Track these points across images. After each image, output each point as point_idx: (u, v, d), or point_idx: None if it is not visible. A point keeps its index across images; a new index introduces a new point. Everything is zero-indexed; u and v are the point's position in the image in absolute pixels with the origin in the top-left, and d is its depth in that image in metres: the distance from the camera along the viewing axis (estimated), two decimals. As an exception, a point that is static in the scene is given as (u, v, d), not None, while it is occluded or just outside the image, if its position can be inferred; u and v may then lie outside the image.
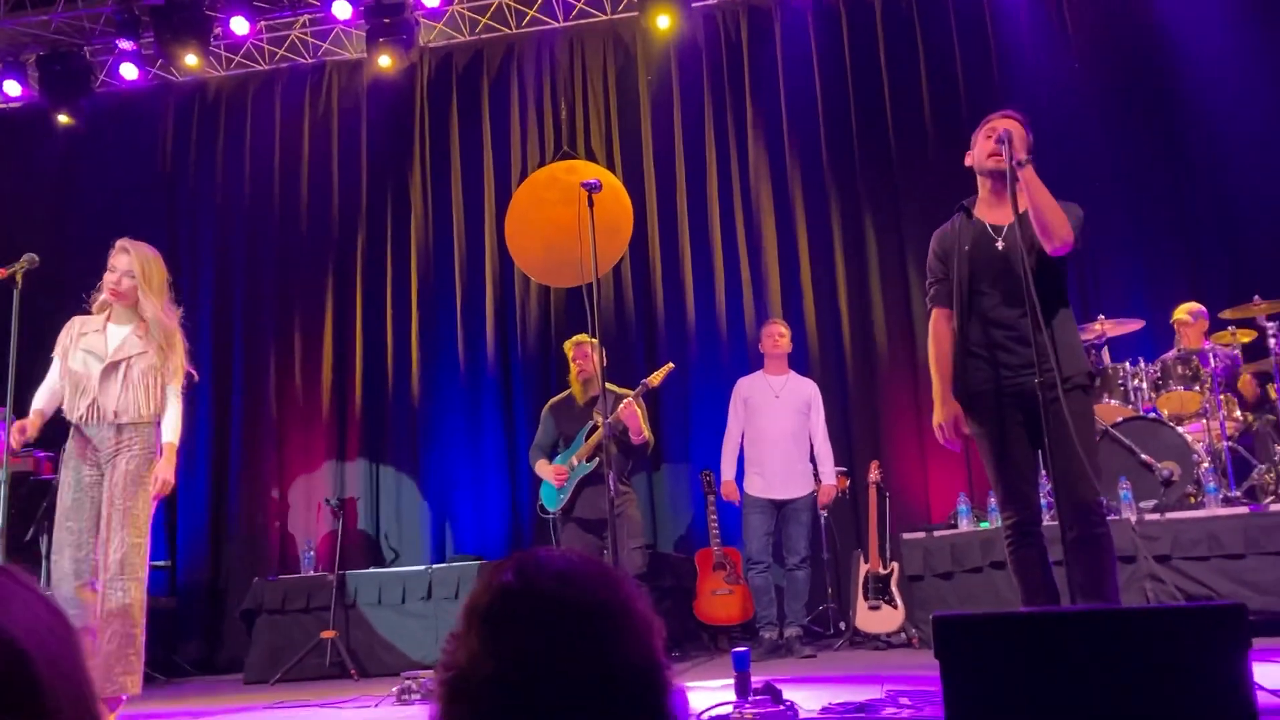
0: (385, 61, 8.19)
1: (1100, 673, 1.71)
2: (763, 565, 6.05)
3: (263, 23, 8.48)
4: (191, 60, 8.03)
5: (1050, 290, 3.42)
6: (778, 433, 6.15)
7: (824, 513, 6.41)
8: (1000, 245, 3.46)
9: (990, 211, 3.62)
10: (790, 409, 6.20)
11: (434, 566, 6.38)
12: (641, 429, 5.54)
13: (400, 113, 8.65)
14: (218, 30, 8.24)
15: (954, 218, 3.76)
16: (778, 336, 6.32)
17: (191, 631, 7.92)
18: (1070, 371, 3.39)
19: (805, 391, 6.32)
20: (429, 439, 8.20)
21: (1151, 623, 1.71)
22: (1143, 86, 7.50)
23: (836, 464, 6.41)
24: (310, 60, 8.81)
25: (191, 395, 8.22)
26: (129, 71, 8.28)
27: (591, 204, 4.32)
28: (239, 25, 8.07)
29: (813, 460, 6.24)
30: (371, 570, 6.64)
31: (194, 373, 4.43)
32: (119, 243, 4.33)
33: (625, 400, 5.41)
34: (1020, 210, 3.43)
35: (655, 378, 5.64)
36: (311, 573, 6.66)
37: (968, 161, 3.81)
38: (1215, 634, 1.73)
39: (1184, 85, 7.35)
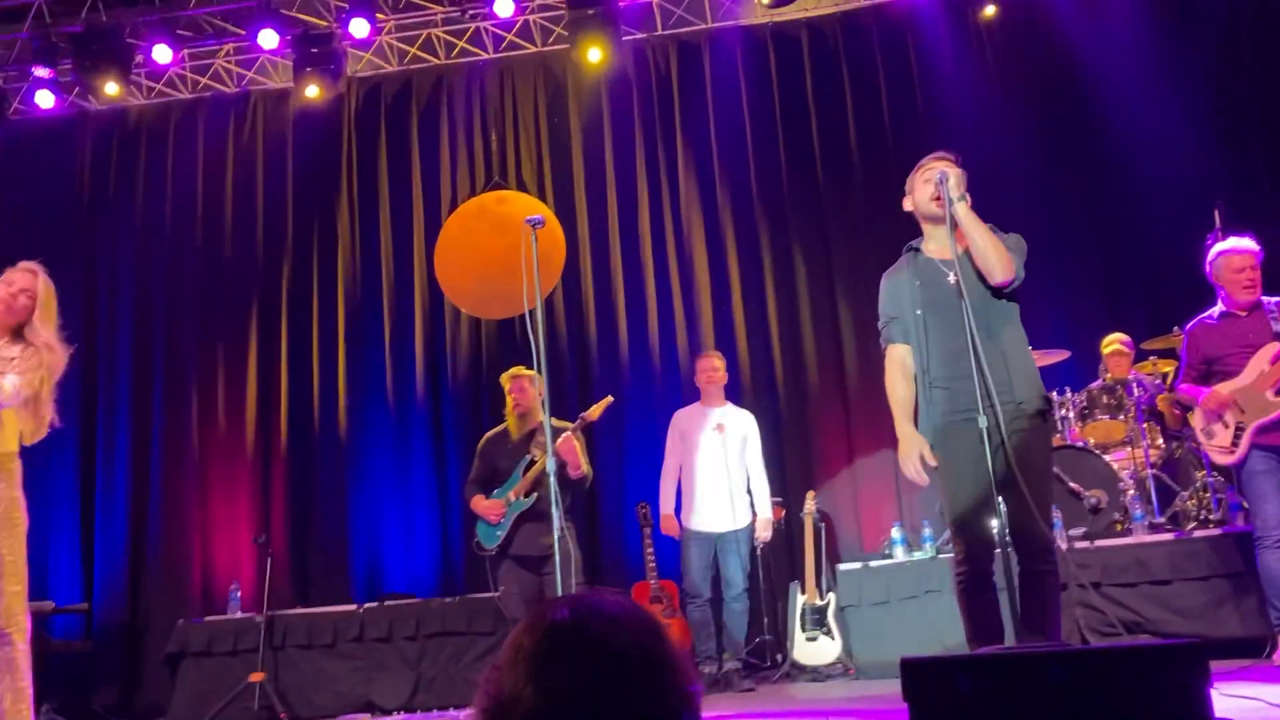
0: (312, 91, 8.08)
1: (1068, 712, 1.72)
2: (701, 599, 6.02)
3: (186, 51, 8.31)
4: (112, 89, 7.83)
5: (1004, 319, 3.54)
6: (715, 465, 6.14)
7: (760, 544, 6.40)
8: (952, 279, 3.52)
9: (939, 249, 3.70)
10: (727, 441, 6.20)
11: (365, 606, 6.24)
12: (580, 463, 5.49)
13: (327, 143, 8.53)
14: (139, 58, 8.06)
15: (903, 258, 3.84)
16: (712, 371, 6.31)
17: (108, 676, 7.61)
18: (1027, 397, 3.50)
19: (742, 423, 6.31)
20: (357, 474, 8.05)
21: (1116, 662, 1.73)
22: (1065, 120, 7.72)
23: (771, 495, 6.40)
24: (234, 89, 8.66)
25: (110, 429, 8.07)
26: (45, 99, 8.05)
27: (536, 240, 4.22)
28: (161, 54, 7.90)
29: (749, 492, 6.22)
30: (301, 611, 6.47)
31: (57, 421, 4.06)
32: (29, 264, 4.14)
33: (564, 434, 5.36)
34: (961, 248, 3.53)
35: (594, 411, 5.60)
36: (238, 614, 6.47)
37: (908, 206, 3.89)
38: (1177, 671, 1.75)
39: (1104, 119, 7.58)
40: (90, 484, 8.04)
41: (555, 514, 3.98)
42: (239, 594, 6.62)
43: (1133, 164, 7.46)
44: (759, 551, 6.53)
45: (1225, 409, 4.76)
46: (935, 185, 3.59)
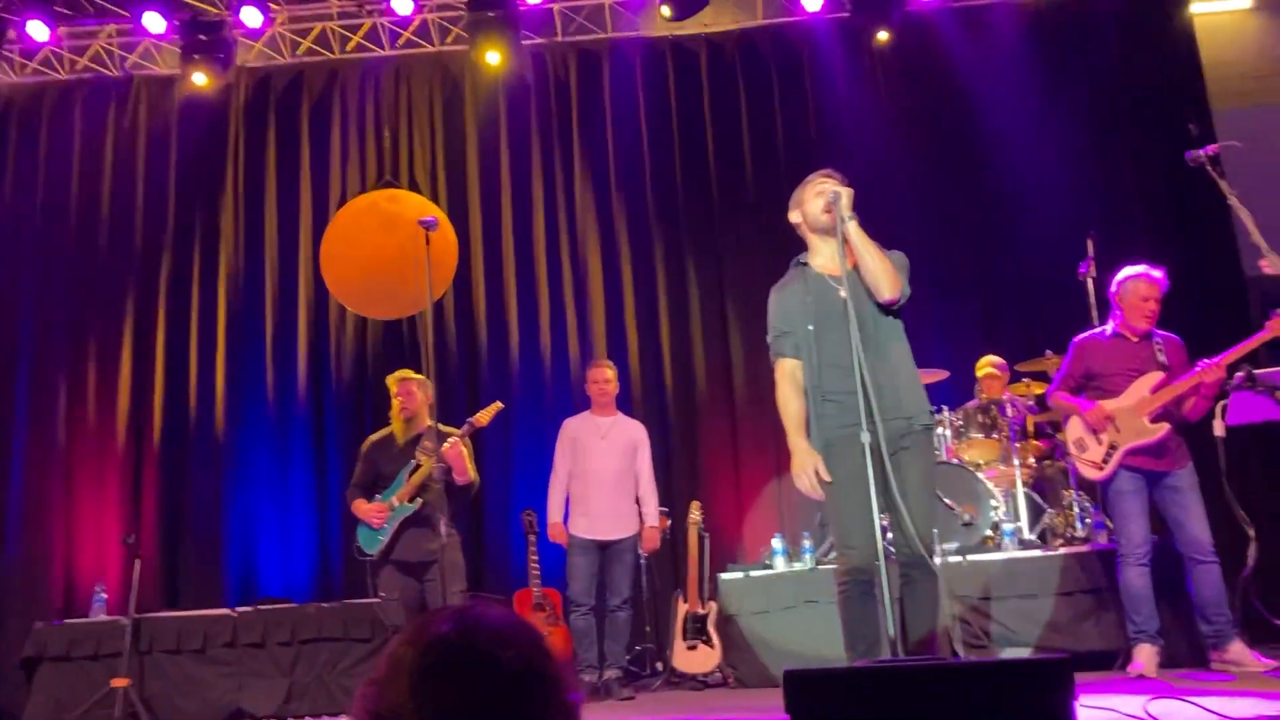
0: (200, 80, 7.85)
1: (942, 724, 1.77)
2: (585, 608, 5.99)
3: (64, 29, 7.99)
4: (-18, 64, 7.49)
5: (891, 335, 3.64)
6: (604, 474, 6.13)
7: (645, 554, 6.42)
8: (842, 294, 3.60)
9: (828, 264, 3.78)
10: (617, 450, 6.19)
11: (239, 611, 6.05)
12: (466, 469, 5.45)
13: (213, 133, 8.28)
14: (12, 34, 7.72)
15: (790, 272, 3.91)
16: (605, 381, 6.30)
17: (-41, 681, 7.25)
18: (915, 412, 3.60)
19: (632, 433, 6.32)
20: (234, 475, 7.82)
21: (989, 675, 1.80)
22: (950, 146, 7.98)
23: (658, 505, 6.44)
24: (117, 73, 8.35)
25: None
26: (-92, 72, 7.66)
27: (428, 242, 4.17)
28: (37, 30, 7.59)
29: (637, 501, 6.23)
30: (170, 614, 6.24)
31: None
32: None
33: (451, 439, 5.31)
34: (850, 264, 3.61)
35: (483, 416, 5.56)
36: (103, 617, 6.21)
37: (794, 219, 3.97)
38: (1046, 684, 1.82)
39: (988, 147, 7.86)
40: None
41: (442, 520, 3.93)
42: (104, 596, 6.36)
43: (1012, 191, 7.75)
44: (643, 561, 6.56)
45: (1104, 426, 4.96)
46: (827, 201, 3.67)
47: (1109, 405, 4.97)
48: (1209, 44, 8.01)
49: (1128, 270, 5.14)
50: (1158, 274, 5.07)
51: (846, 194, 3.65)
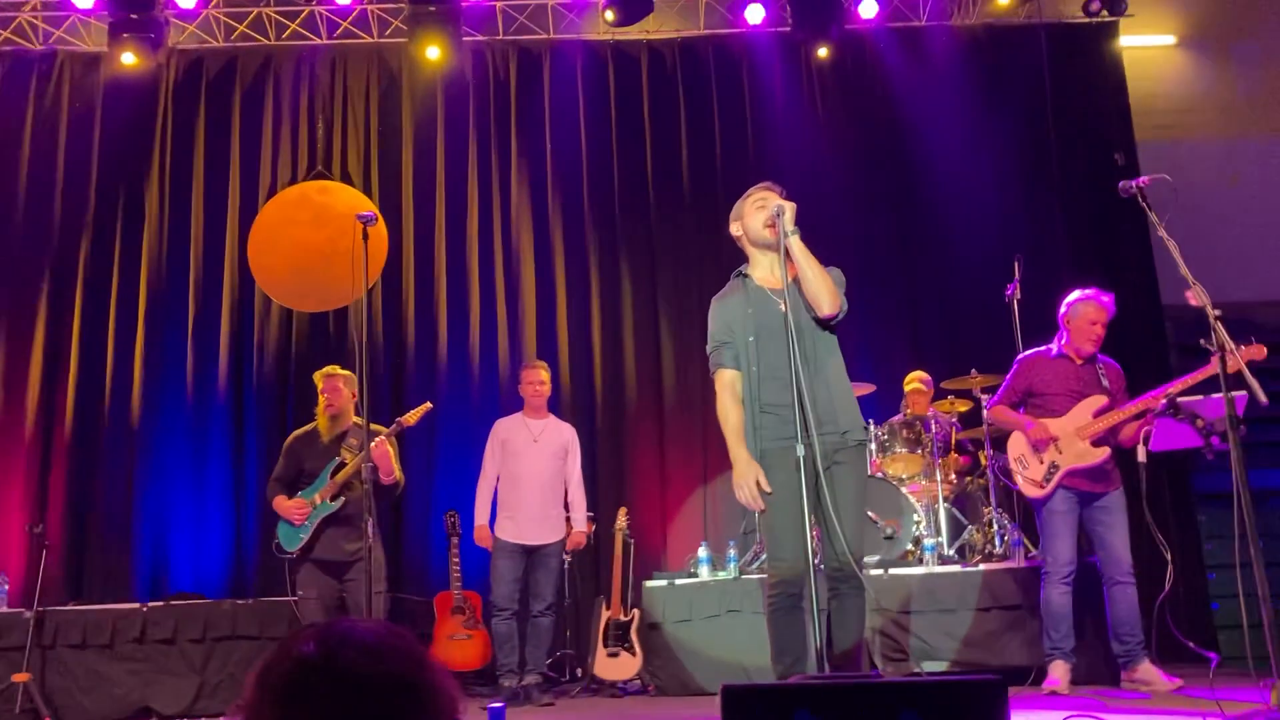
0: (129, 59, 7.65)
1: (878, 741, 1.78)
2: (508, 612, 5.84)
3: (-13, 0, 7.73)
4: (-103, 31, 7.20)
5: (828, 350, 3.67)
6: (534, 477, 6.01)
7: (568, 558, 6.39)
8: (782, 308, 3.61)
9: (768, 277, 3.80)
10: (548, 453, 6.10)
11: (149, 605, 5.89)
12: (393, 469, 5.37)
13: (140, 115, 8.05)
14: (-68, 3, 7.45)
15: (731, 283, 3.92)
16: (539, 383, 6.18)
17: None
18: (850, 427, 3.63)
19: (563, 436, 6.23)
20: (147, 465, 7.61)
21: (926, 693, 1.81)
22: (884, 163, 8.11)
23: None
24: (40, 46, 8.09)
25: None
26: None
27: (366, 237, 4.10)
28: (-41, 0, 7.32)
29: (566, 506, 6.17)
30: (76, 607, 6.05)
31: None
32: None
33: (378, 438, 5.23)
34: (791, 278, 3.64)
35: (411, 417, 5.48)
36: (4, 609, 6.00)
37: (735, 231, 3.98)
38: (981, 704, 1.84)
39: (920, 167, 8.02)
40: None
41: (370, 520, 3.86)
42: (6, 587, 6.14)
43: (943, 212, 7.89)
44: (567, 566, 6.52)
45: (1045, 445, 5.05)
46: (770, 215, 3.69)
47: (1052, 425, 5.06)
48: (1135, 77, 8.24)
49: (1077, 293, 5.22)
50: (1106, 299, 5.17)
51: (790, 208, 3.67)
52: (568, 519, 6.15)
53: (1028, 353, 5.35)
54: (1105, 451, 4.98)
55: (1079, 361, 5.17)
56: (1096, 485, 5.02)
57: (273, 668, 1.23)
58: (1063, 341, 5.21)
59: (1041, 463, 5.05)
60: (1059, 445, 5.03)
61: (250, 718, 1.21)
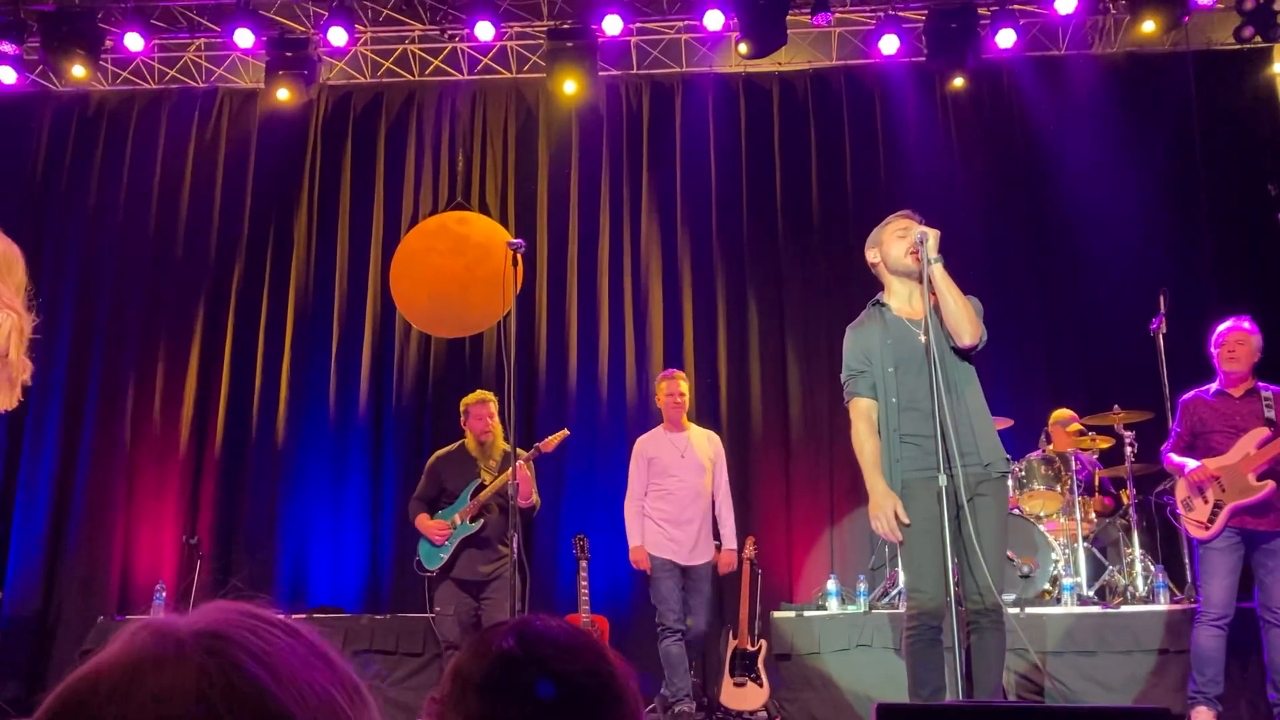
0: (283, 95, 8.02)
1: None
2: (679, 634, 5.62)
3: (156, 41, 8.21)
4: (79, 71, 7.70)
5: (967, 380, 3.63)
6: (686, 491, 5.82)
7: (721, 575, 6.09)
8: (923, 338, 3.61)
9: (907, 306, 3.78)
10: (696, 467, 5.89)
11: (292, 617, 6.12)
12: (531, 492, 5.49)
13: (292, 148, 8.46)
14: (109, 43, 7.95)
15: (868, 311, 3.91)
16: (678, 395, 5.96)
17: (13, 670, 7.36)
18: (992, 459, 3.59)
19: (711, 446, 6.02)
20: (290, 484, 7.92)
21: (1086, 723, 1.79)
22: (1020, 194, 7.96)
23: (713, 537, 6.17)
24: (203, 84, 8.57)
25: (40, 416, 7.85)
26: (7, 75, 7.87)
27: (516, 264, 4.23)
28: (133, 42, 7.80)
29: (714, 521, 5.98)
30: (225, 617, 6.31)
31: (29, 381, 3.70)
32: None
33: (519, 461, 5.35)
34: (931, 306, 3.62)
35: (549, 443, 5.60)
36: (162, 616, 6.30)
37: (872, 259, 3.98)
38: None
39: (1059, 197, 7.84)
40: (14, 471, 7.81)
41: (515, 537, 3.96)
42: (164, 594, 6.46)
43: (1083, 243, 7.70)
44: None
45: (1209, 484, 4.88)
46: (913, 243, 3.68)
47: (1212, 464, 4.88)
48: (1289, 105, 7.93)
49: (1221, 325, 5.08)
50: (1246, 324, 5.00)
51: (934, 235, 3.66)
52: (717, 535, 5.97)
53: (1188, 395, 5.18)
54: (1270, 485, 4.76)
55: (1238, 396, 4.98)
56: (1263, 523, 4.80)
57: (474, 661, 1.28)
58: (1220, 378, 5.04)
59: (1206, 502, 4.87)
60: (1222, 483, 4.84)
61: (452, 709, 1.26)
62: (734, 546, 5.97)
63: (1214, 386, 5.07)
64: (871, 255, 3.99)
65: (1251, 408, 4.95)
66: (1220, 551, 4.82)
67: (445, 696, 1.27)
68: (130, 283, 8.22)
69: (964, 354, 3.73)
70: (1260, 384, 5.00)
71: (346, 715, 0.85)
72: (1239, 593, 4.89)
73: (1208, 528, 4.84)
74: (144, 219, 8.31)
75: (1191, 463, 4.93)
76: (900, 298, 3.87)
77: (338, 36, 7.80)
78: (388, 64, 8.53)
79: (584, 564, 6.64)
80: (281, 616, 0.85)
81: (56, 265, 8.20)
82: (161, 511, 7.80)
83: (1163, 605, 5.54)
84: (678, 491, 5.83)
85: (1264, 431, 4.85)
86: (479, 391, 5.90)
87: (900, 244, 3.80)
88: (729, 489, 6.04)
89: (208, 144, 8.48)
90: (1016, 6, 7.93)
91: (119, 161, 8.40)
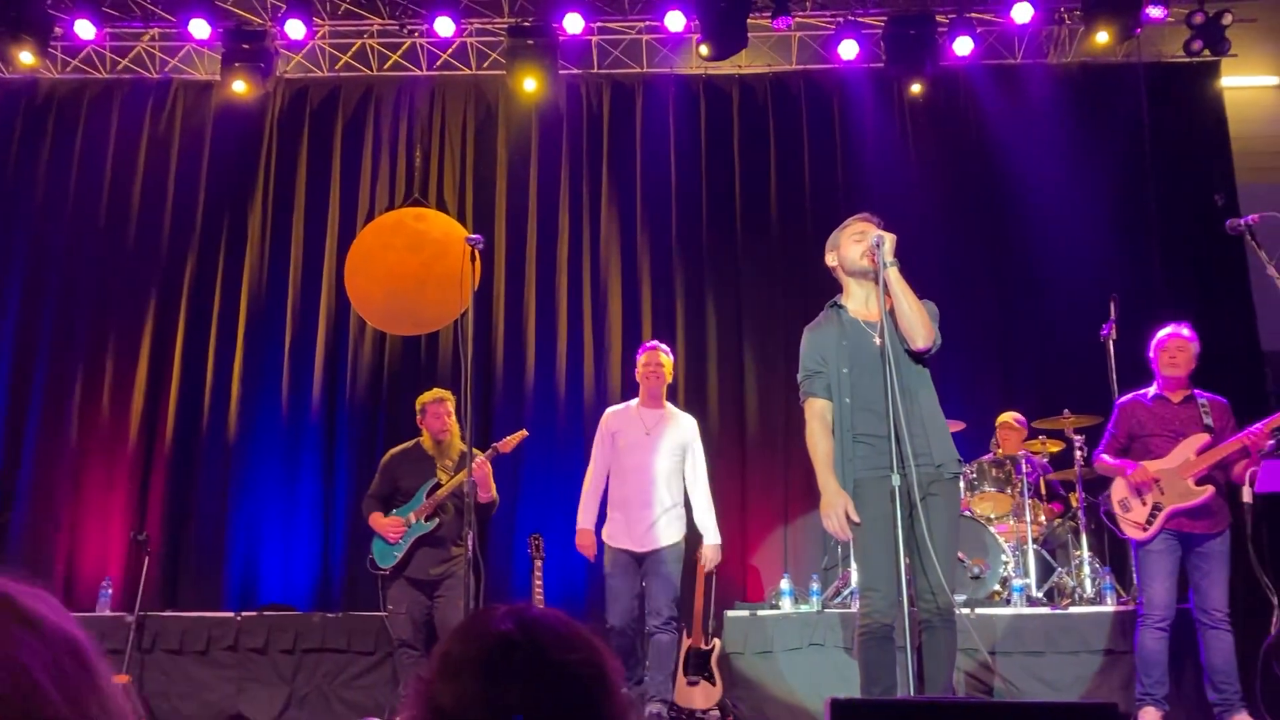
0: (239, 87, 7.92)
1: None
2: (626, 635, 5.37)
3: (109, 30, 8.08)
4: (27, 58, 7.57)
5: (921, 383, 3.68)
6: (644, 473, 5.40)
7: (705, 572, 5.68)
8: (877, 340, 3.64)
9: (864, 309, 3.82)
10: (663, 449, 5.45)
11: (243, 615, 6.06)
12: (491, 487, 5.46)
13: (247, 141, 8.35)
14: (59, 30, 7.82)
15: (825, 313, 3.95)
16: (656, 367, 5.53)
17: (-48, 668, 7.21)
18: (944, 461, 3.63)
19: (682, 431, 5.55)
20: (241, 480, 7.83)
21: (1039, 716, 1.82)
22: (975, 200, 8.07)
23: None
24: (156, 75, 8.44)
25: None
26: (-48, 60, 7.73)
27: (474, 259, 4.21)
28: (84, 29, 7.68)
29: (687, 508, 5.59)
30: (175, 614, 6.24)
31: None
32: None
33: (479, 458, 5.32)
34: (887, 309, 3.66)
35: (508, 443, 5.58)
36: (108, 612, 6.22)
37: (830, 262, 4.02)
38: (1091, 731, 1.84)
39: (1013, 204, 7.95)
40: (-47, 462, 7.66)
41: (470, 535, 3.95)
42: (110, 591, 6.36)
43: (1036, 249, 7.82)
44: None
45: (1148, 487, 4.96)
46: (869, 246, 3.72)
47: (1153, 466, 4.97)
48: (1236, 118, 8.11)
49: (1161, 331, 5.17)
50: (1185, 331, 5.11)
51: (889, 239, 3.70)
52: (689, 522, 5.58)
53: (1124, 397, 5.28)
54: (1209, 490, 4.87)
55: (1176, 401, 5.08)
56: (1199, 525, 4.91)
57: (471, 644, 1.26)
58: (1158, 382, 5.14)
59: (1144, 504, 4.96)
60: (1161, 485, 4.93)
61: (446, 689, 1.24)
62: (716, 542, 5.57)
63: (1152, 391, 5.17)
64: (830, 258, 4.03)
65: (1190, 413, 5.05)
66: (1159, 554, 4.91)
67: (439, 675, 1.25)
68: (80, 275, 8.08)
69: (918, 357, 3.78)
70: (1196, 390, 5.10)
71: (45, 692, 0.82)
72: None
73: (1145, 529, 4.93)
74: (94, 210, 8.18)
75: (1132, 464, 5.01)
76: (858, 300, 3.91)
77: (295, 29, 7.73)
78: (346, 58, 8.46)
79: (539, 564, 6.61)
80: None
81: (3, 255, 8.05)
82: (109, 506, 7.68)
83: (1109, 607, 5.63)
84: (635, 473, 5.44)
85: (1204, 438, 4.95)
86: (436, 390, 5.87)
87: (857, 247, 3.84)
88: (706, 481, 5.61)
89: (161, 136, 8.36)
90: (974, 15, 8.03)
91: (69, 152, 8.26)
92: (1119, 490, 5.10)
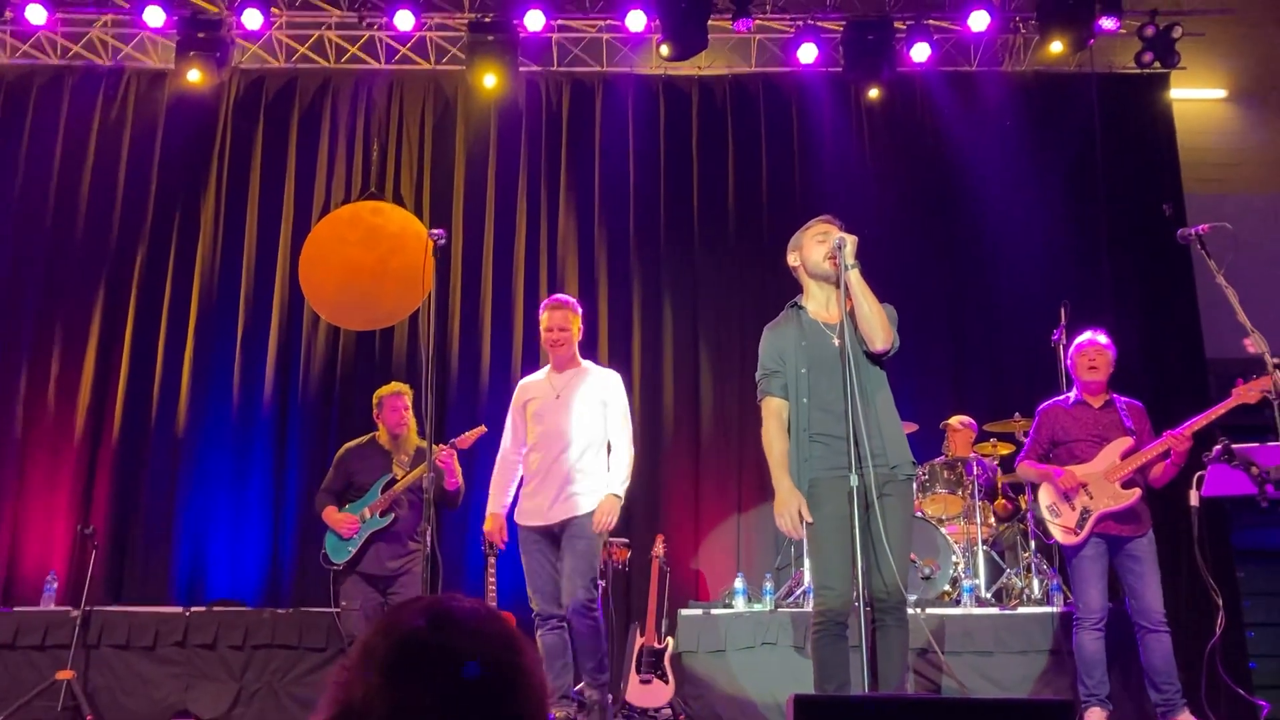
0: (194, 77, 7.82)
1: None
2: (556, 619, 4.76)
3: (60, 15, 7.94)
4: (-27, 42, 7.42)
5: (878, 385, 3.72)
6: (555, 440, 4.86)
7: (595, 529, 4.77)
8: (836, 341, 3.68)
9: (824, 311, 3.86)
10: (575, 411, 4.88)
11: (192, 610, 5.97)
12: (457, 473, 5.42)
13: (200, 131, 8.24)
14: (9, 14, 7.67)
15: (785, 313, 3.98)
16: (557, 331, 4.96)
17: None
18: (899, 462, 3.67)
19: (596, 388, 4.95)
20: (190, 474, 7.72)
21: (994, 713, 1.85)
22: (930, 205, 8.18)
23: (617, 535, 5.83)
24: (109, 62, 8.31)
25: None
26: (-104, 42, 7.57)
27: (436, 255, 4.19)
28: (35, 14, 7.55)
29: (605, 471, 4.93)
30: (122, 608, 6.14)
31: None
32: None
33: (442, 448, 5.29)
34: (847, 310, 3.70)
35: (466, 439, 5.55)
36: (52, 606, 6.11)
37: (793, 262, 4.05)
38: (1045, 726, 1.88)
39: (967, 210, 8.07)
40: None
41: (429, 529, 3.93)
42: (55, 585, 6.25)
43: (989, 254, 7.94)
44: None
45: (1076, 492, 5.05)
46: (831, 248, 3.75)
47: (1080, 471, 5.07)
48: (1185, 129, 8.28)
49: (1079, 338, 5.29)
50: (1103, 338, 5.22)
51: (851, 241, 3.74)
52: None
53: (1046, 403, 5.37)
54: (1136, 493, 4.97)
55: (1097, 406, 5.19)
56: (1126, 528, 5.01)
57: (382, 637, 1.26)
58: (1078, 388, 5.25)
59: (1074, 509, 5.05)
60: (1089, 490, 5.03)
61: (356, 681, 1.24)
62: (617, 493, 4.80)
63: (1072, 396, 5.28)
64: (792, 259, 4.06)
65: (1111, 418, 5.16)
66: (1091, 560, 4.99)
67: (353, 667, 1.25)
68: (26, 262, 7.93)
69: (876, 359, 3.82)
70: (1114, 395, 5.22)
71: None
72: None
73: (1076, 533, 5.02)
74: (41, 198, 8.02)
75: (1059, 469, 5.10)
76: (818, 301, 3.94)
77: (252, 19, 7.65)
78: (303, 49, 8.38)
79: (492, 560, 6.62)
80: None
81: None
82: (54, 500, 7.54)
83: (1056, 607, 5.73)
84: (547, 439, 4.88)
85: (1128, 441, 5.05)
86: (394, 383, 5.83)
87: (820, 248, 3.87)
88: (629, 436, 4.96)
89: (112, 125, 8.23)
90: (932, 22, 8.13)
91: (16, 138, 8.11)
92: (1046, 495, 5.19)
